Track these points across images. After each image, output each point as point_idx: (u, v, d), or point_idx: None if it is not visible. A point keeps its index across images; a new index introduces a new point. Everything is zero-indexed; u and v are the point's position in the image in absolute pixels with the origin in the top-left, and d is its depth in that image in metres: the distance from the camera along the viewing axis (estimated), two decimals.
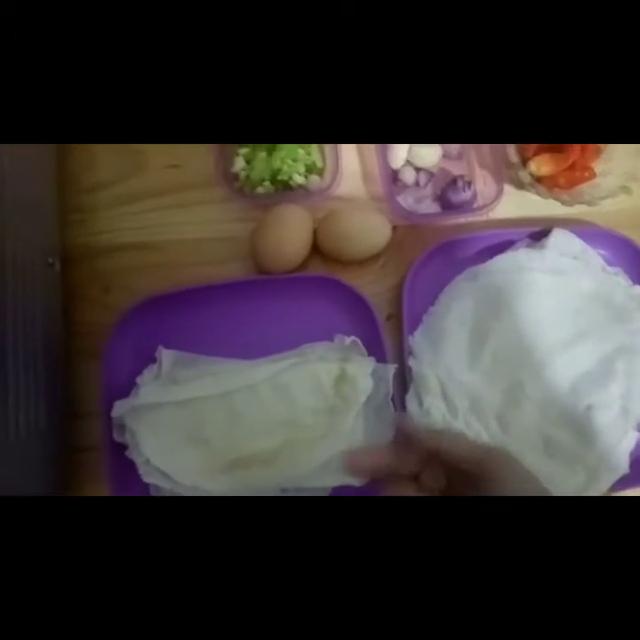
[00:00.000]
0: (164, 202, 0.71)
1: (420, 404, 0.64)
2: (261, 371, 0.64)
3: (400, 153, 0.73)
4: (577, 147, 0.73)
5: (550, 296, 0.69)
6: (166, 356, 0.64)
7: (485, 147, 0.75)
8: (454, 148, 0.76)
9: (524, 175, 0.73)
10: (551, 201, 0.73)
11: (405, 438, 0.46)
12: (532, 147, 0.74)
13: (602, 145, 0.75)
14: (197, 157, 0.71)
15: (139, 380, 0.63)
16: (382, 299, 0.70)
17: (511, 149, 0.74)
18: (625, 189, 0.73)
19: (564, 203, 0.73)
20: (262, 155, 0.70)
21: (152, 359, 0.64)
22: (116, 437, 0.61)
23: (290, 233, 0.68)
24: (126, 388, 0.62)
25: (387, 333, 0.67)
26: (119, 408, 0.60)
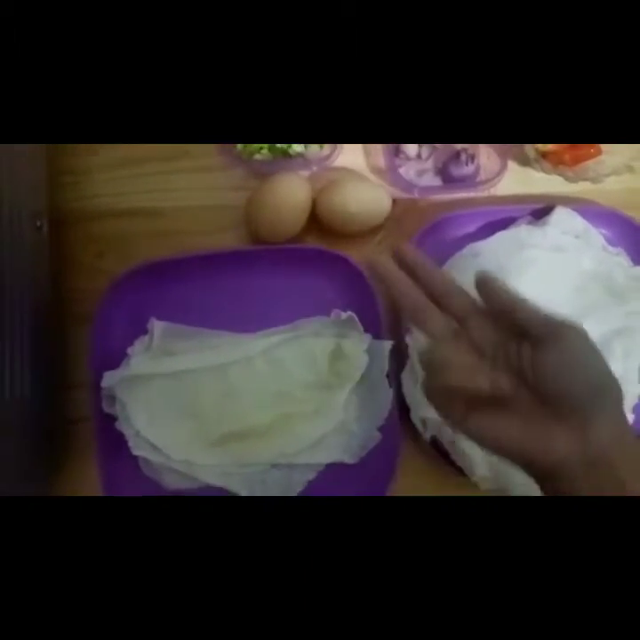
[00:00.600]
0: (160, 168, 0.70)
1: (416, 381, 0.63)
2: (256, 344, 0.62)
3: None
4: None
5: (550, 274, 0.67)
6: (158, 327, 0.62)
7: None
8: None
9: (529, 150, 0.72)
10: (554, 178, 0.73)
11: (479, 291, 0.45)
12: None
13: None
14: None
15: (129, 350, 0.62)
16: None
17: None
18: (629, 168, 0.72)
19: (568, 179, 0.72)
20: None
21: (144, 328, 0.63)
22: (106, 409, 0.60)
23: (287, 202, 0.66)
24: (118, 358, 0.61)
25: (384, 309, 0.65)
26: (109, 379, 0.59)
